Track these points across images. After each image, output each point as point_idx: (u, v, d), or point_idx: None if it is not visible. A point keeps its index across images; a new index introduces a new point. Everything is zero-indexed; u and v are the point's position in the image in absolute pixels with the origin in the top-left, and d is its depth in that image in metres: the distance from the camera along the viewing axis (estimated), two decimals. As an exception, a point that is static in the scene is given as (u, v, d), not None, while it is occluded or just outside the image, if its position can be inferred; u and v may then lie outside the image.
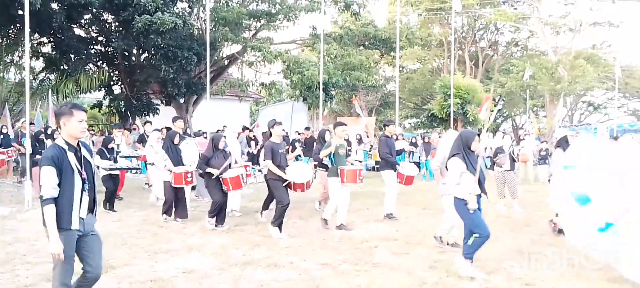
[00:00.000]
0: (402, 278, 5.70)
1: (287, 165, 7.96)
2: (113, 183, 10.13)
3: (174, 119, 10.87)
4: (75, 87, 19.41)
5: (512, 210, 10.24)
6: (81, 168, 3.91)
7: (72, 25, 19.96)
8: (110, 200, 9.97)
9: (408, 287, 5.45)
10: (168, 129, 12.11)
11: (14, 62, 20.05)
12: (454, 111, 22.32)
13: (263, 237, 7.71)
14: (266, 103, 38.08)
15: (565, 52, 33.25)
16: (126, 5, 17.92)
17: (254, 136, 16.84)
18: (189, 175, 9.03)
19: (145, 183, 13.57)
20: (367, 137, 20.75)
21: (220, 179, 8.22)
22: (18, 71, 20.44)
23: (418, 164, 16.33)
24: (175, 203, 9.08)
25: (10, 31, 18.85)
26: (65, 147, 3.86)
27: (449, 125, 21.83)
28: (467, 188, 5.67)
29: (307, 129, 19.19)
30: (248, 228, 8.36)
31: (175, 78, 19.86)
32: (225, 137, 8.98)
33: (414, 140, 20.16)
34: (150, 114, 21.51)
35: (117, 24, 20.32)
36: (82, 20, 20.57)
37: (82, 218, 3.91)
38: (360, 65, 23.45)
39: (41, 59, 20.80)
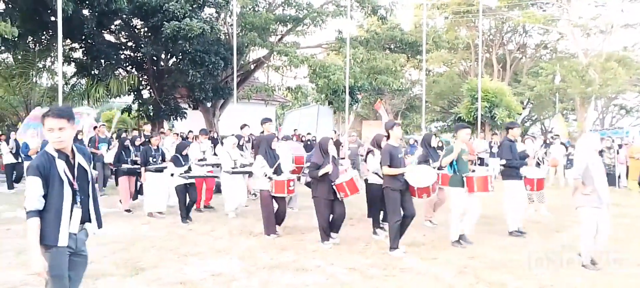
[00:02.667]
0: (431, 284, 5.65)
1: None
2: (189, 192, 9.39)
3: (264, 121, 10.24)
4: (105, 91, 19.74)
5: (541, 215, 10.08)
6: (73, 177, 3.48)
7: (103, 31, 20.38)
8: (187, 209, 9.33)
9: (436, 293, 5.40)
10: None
11: (47, 67, 20.52)
12: (482, 115, 22.06)
13: (290, 240, 7.74)
14: (292, 107, 38.22)
15: (596, 54, 32.60)
16: (155, 12, 18.23)
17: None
18: (291, 183, 8.03)
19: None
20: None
21: (333, 187, 7.32)
22: (50, 76, 20.91)
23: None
24: (272, 215, 8.08)
25: (43, 37, 19.31)
26: (55, 154, 3.44)
27: (476, 129, 21.59)
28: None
29: (334, 132, 19.22)
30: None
31: (203, 82, 20.15)
32: (332, 138, 8.07)
33: (441, 144, 19.98)
34: (178, 118, 21.76)
35: (146, 29, 20.66)
36: (112, 26, 20.97)
37: (74, 234, 3.47)
38: (387, 68, 23.37)
39: (73, 64, 21.23)
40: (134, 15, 19.84)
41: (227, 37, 21.86)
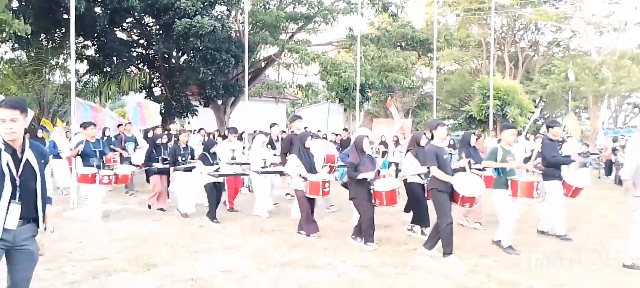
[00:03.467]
0: (442, 282, 5.63)
1: (452, 174, 6.71)
2: (217, 191, 9.18)
3: (293, 119, 9.99)
4: (117, 88, 19.85)
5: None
6: (17, 172, 3.37)
7: (115, 29, 20.49)
8: (212, 210, 9.05)
9: (448, 291, 5.38)
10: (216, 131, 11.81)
11: (59, 64, 20.66)
12: (493, 113, 21.95)
13: (301, 238, 7.75)
14: (302, 105, 38.27)
15: (610, 52, 32.33)
16: (167, 9, 18.29)
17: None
18: (327, 184, 7.67)
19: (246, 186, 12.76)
20: (404, 138, 20.59)
21: (371, 191, 7.09)
22: (63, 73, 21.05)
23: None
24: (310, 214, 7.87)
25: (56, 35, 19.45)
26: (1, 146, 3.37)
27: (488, 127, 21.48)
28: None
29: (345, 130, 19.21)
30: (287, 229, 8.38)
31: (214, 80, 20.23)
32: (367, 136, 7.72)
33: (452, 142, 19.91)
34: (189, 115, 21.86)
35: (157, 27, 20.74)
36: (124, 24, 21.07)
37: (9, 229, 3.35)
38: (397, 66, 23.32)
39: (85, 61, 21.37)
40: (146, 13, 19.92)
41: (238, 34, 21.90)
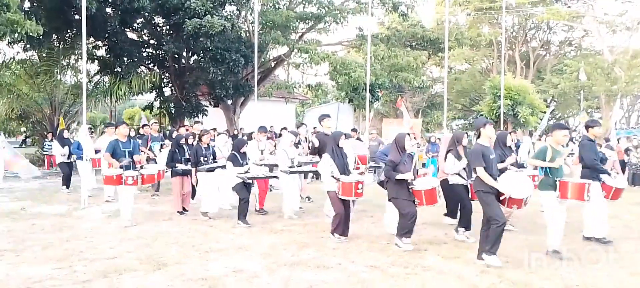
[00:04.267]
0: (453, 283, 5.59)
1: (498, 175, 6.43)
2: (247, 192, 8.79)
3: (323, 118, 9.67)
4: (127, 89, 19.96)
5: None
6: None
7: (125, 29, 20.61)
8: (243, 212, 8.66)
9: (459, 292, 5.34)
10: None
11: (71, 65, 20.82)
12: (504, 113, 21.81)
13: (312, 237, 7.73)
14: (312, 104, 38.25)
15: (622, 51, 32.08)
16: (177, 10, 18.36)
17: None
18: (360, 185, 7.41)
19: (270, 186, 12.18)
20: (414, 138, 20.52)
21: (410, 190, 6.89)
22: (74, 74, 21.21)
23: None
24: (343, 215, 7.55)
25: (67, 35, 19.61)
26: None
27: (499, 126, 21.34)
28: None
29: (354, 130, 19.14)
30: (296, 229, 8.37)
31: (223, 80, 20.28)
32: (409, 134, 7.46)
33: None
34: (199, 115, 21.94)
35: (168, 27, 20.84)
36: (135, 24, 21.19)
37: None
38: (408, 66, 23.26)
39: (96, 62, 21.54)
40: (156, 13, 20.01)
41: (247, 34, 21.94)
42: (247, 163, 8.96)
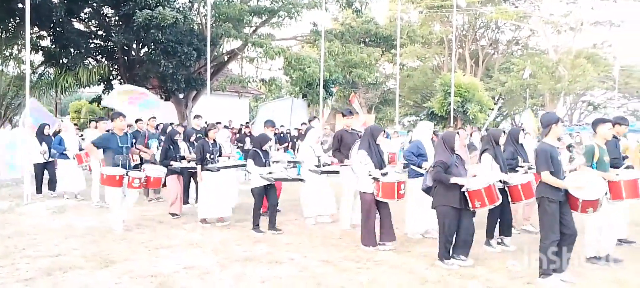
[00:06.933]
0: (404, 276, 5.67)
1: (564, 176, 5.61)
2: (268, 196, 8.00)
3: (347, 113, 8.83)
4: (74, 81, 19.31)
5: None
6: None
7: (72, 19, 19.89)
8: (273, 217, 7.91)
9: (410, 285, 5.42)
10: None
11: (14, 55, 19.99)
12: (454, 109, 22.30)
13: (264, 233, 7.68)
14: (266, 99, 38.04)
15: (566, 51, 33.34)
16: (127, 0, 17.86)
17: (250, 132, 16.74)
18: (403, 186, 6.69)
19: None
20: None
21: (465, 193, 5.96)
22: (17, 64, 20.38)
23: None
24: (373, 222, 6.85)
25: (10, 24, 18.81)
26: None
27: (449, 123, 21.80)
28: None
29: (304, 124, 19.17)
30: (248, 224, 8.28)
31: (175, 73, 19.89)
32: (458, 133, 6.86)
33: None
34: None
35: (117, 18, 20.27)
36: (82, 14, 20.48)
37: None
38: (361, 62, 23.43)
39: (40, 52, 20.71)
40: (105, 3, 19.42)
41: (200, 27, 21.60)
42: (269, 163, 8.04)
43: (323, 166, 8.39)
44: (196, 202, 9.28)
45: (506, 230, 6.93)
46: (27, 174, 10.61)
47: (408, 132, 20.98)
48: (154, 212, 9.29)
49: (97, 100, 23.59)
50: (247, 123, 19.25)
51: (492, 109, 25.18)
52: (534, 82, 31.35)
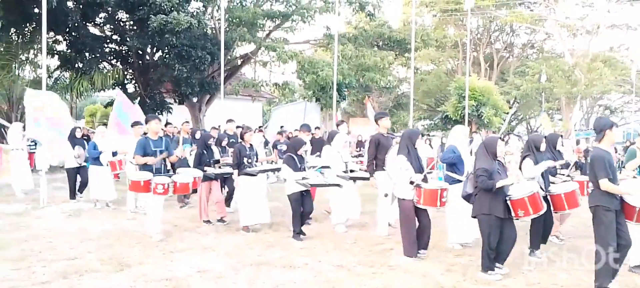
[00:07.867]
0: (418, 282, 5.62)
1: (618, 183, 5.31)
2: (304, 202, 7.67)
3: (380, 116, 8.45)
4: (89, 85, 19.47)
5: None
6: None
7: (87, 24, 20.10)
8: (298, 223, 7.64)
9: (425, 291, 5.37)
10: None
11: (30, 59, 20.21)
12: (469, 113, 22.15)
13: (278, 237, 7.67)
14: (279, 103, 38.10)
15: (582, 54, 32.97)
16: (141, 5, 18.02)
17: (264, 137, 16.78)
18: (445, 193, 6.44)
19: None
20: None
21: (508, 202, 5.72)
22: (33, 69, 20.60)
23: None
24: (414, 231, 6.54)
25: (26, 29, 19.00)
26: None
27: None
28: None
29: (317, 128, 19.14)
30: (263, 228, 8.27)
31: (189, 77, 20.01)
32: (501, 138, 6.69)
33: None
34: (164, 113, 21.60)
35: (131, 22, 20.43)
36: (97, 19, 20.70)
37: None
38: (374, 66, 23.38)
39: (56, 57, 20.92)
40: (120, 8, 19.58)
41: (214, 31, 21.71)
42: (305, 168, 7.77)
43: (350, 172, 8.19)
44: (228, 206, 9.11)
45: (546, 237, 6.75)
46: (43, 177, 10.68)
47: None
48: (167, 216, 9.24)
49: (112, 104, 23.77)
50: (260, 127, 19.29)
51: (507, 113, 24.97)
52: (549, 86, 31.03)
